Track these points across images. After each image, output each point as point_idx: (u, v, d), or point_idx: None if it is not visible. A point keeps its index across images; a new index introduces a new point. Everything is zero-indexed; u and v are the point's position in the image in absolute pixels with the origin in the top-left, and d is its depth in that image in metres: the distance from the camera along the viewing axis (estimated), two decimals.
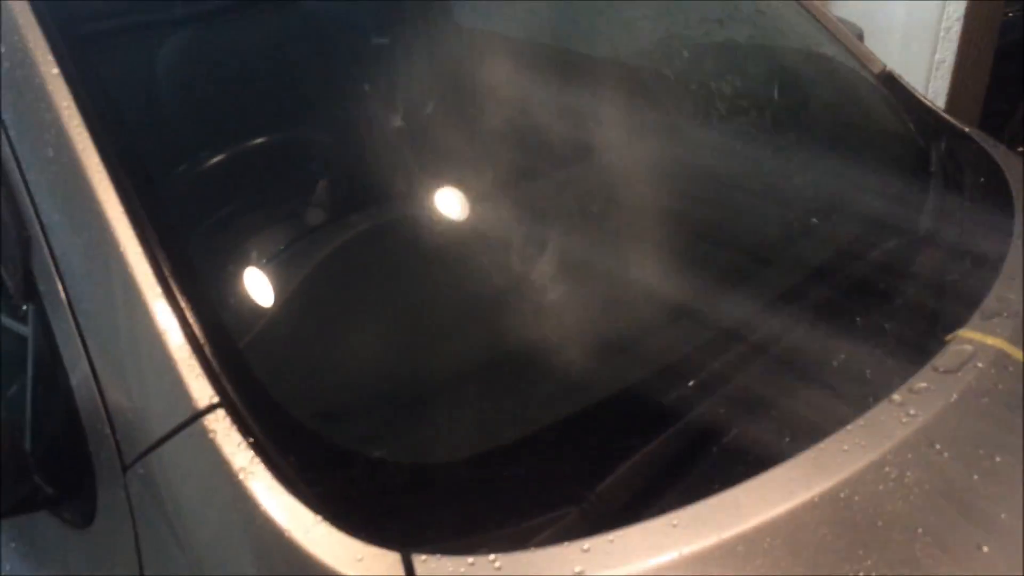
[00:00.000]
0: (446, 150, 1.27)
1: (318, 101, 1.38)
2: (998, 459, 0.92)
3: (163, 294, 0.88)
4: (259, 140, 1.27)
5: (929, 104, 1.60)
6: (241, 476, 0.81)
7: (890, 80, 1.61)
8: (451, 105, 1.43)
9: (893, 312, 1.11)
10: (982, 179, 1.42)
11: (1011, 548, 0.85)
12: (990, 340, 1.05)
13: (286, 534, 0.78)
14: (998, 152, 1.49)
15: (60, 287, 0.93)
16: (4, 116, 0.97)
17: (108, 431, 0.90)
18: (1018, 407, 0.99)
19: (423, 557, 0.78)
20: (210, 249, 1.08)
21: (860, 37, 1.74)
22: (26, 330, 1.04)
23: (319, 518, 0.79)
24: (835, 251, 1.18)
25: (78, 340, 0.92)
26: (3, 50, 0.99)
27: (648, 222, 1.26)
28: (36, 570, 1.07)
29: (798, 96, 1.48)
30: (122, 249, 0.89)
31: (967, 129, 1.56)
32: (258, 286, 1.02)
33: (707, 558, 0.79)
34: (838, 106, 1.51)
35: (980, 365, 1.02)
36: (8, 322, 1.13)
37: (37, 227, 0.95)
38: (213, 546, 0.84)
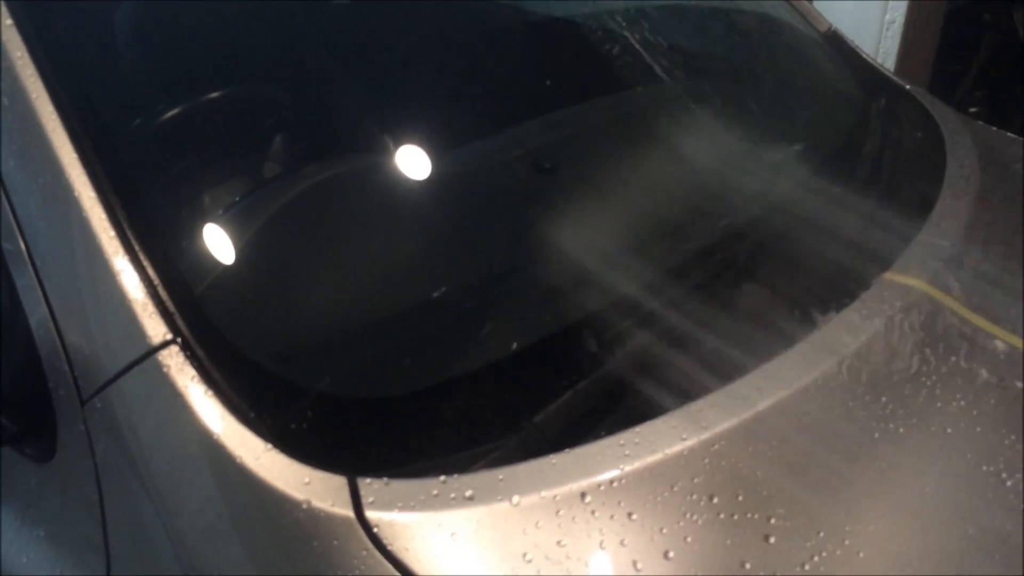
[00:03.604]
0: (398, 104, 1.30)
1: (277, 56, 1.40)
2: (907, 390, 0.98)
3: (117, 237, 0.91)
4: (217, 94, 1.29)
5: (872, 62, 1.65)
6: (194, 407, 0.85)
7: (835, 39, 1.65)
8: (405, 60, 1.46)
9: (823, 254, 1.16)
10: (919, 133, 1.48)
11: (911, 483, 0.91)
12: (912, 281, 1.11)
13: (237, 460, 0.83)
14: (935, 107, 1.55)
15: (17, 231, 0.96)
16: None
17: (66, 368, 0.93)
18: (933, 344, 1.05)
19: (367, 480, 0.83)
20: (167, 198, 1.11)
21: None
22: None
23: (268, 446, 0.84)
24: (770, 196, 1.23)
25: (36, 282, 0.95)
26: None
27: (598, 178, 1.31)
28: (0, 505, 1.11)
29: (744, 54, 1.52)
30: (76, 194, 0.92)
31: (907, 87, 1.61)
32: (212, 233, 1.05)
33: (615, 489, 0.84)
34: (783, 64, 1.55)
35: (900, 304, 1.08)
36: None
37: None
38: (169, 474, 0.88)
